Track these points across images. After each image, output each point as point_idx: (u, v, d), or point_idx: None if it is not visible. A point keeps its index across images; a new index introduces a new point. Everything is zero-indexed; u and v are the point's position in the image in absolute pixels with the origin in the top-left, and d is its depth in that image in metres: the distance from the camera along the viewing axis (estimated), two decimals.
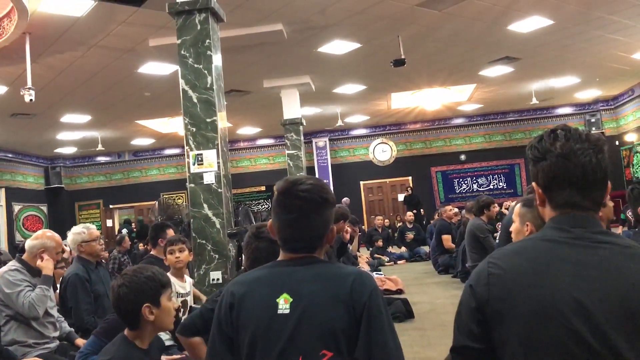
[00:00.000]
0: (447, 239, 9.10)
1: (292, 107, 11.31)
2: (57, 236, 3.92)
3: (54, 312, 3.88)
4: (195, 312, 2.41)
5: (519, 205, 2.81)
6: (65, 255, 6.49)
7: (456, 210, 10.36)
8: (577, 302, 1.16)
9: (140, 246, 8.96)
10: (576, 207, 1.28)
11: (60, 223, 16.31)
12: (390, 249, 12.06)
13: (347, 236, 5.72)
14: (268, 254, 2.75)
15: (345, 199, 15.73)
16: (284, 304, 1.47)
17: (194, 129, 5.31)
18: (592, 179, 1.28)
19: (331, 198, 1.59)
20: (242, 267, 2.88)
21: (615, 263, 1.20)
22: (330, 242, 1.62)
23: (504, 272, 1.24)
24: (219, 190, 5.29)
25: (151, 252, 4.64)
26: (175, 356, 3.21)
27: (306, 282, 1.49)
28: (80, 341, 3.87)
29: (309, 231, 1.56)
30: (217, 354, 1.54)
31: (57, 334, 3.81)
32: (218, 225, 5.21)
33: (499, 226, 6.54)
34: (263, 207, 17.38)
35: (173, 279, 3.84)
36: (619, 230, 9.67)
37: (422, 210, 14.99)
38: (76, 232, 4.34)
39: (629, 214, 10.94)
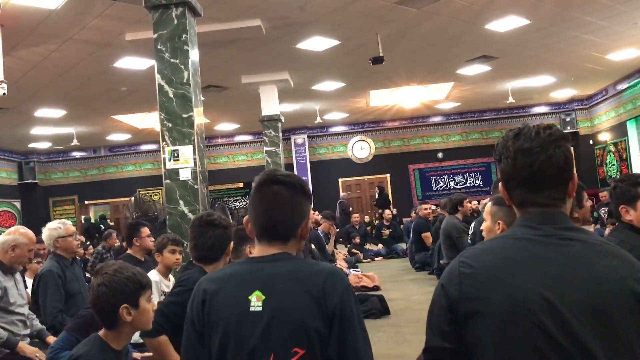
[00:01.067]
0: (427, 237, 9.13)
1: (271, 104, 11.27)
2: (30, 233, 3.85)
3: (25, 309, 3.81)
4: (157, 311, 2.40)
5: (489, 203, 2.83)
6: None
7: (433, 207, 10.46)
8: (546, 301, 1.16)
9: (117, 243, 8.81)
10: (535, 205, 1.29)
11: (35, 219, 16.04)
12: (367, 246, 12.13)
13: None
14: (225, 240, 2.76)
15: (344, 194, 15.76)
16: (256, 301, 1.46)
17: (170, 125, 5.26)
18: (542, 177, 1.27)
19: (308, 191, 1.60)
20: (192, 259, 2.86)
21: (584, 260, 1.20)
22: (305, 237, 1.61)
23: (475, 270, 1.25)
24: (195, 186, 5.25)
25: (127, 251, 4.58)
26: (146, 354, 3.18)
27: (279, 279, 1.48)
28: (51, 339, 3.81)
29: (285, 218, 1.55)
30: (192, 350, 1.52)
31: (27, 331, 3.75)
32: (189, 227, 5.17)
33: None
34: (241, 204, 17.32)
35: (159, 277, 3.81)
36: (591, 228, 9.83)
37: (393, 209, 15.02)
38: (52, 227, 4.27)
39: (602, 212, 11.18)
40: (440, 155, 17.51)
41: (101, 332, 2.04)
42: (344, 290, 1.48)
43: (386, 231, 12.25)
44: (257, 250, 1.59)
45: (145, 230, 4.80)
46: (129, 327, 2.03)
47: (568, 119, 16.89)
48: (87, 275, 6.19)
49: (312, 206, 1.66)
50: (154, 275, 3.80)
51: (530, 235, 1.25)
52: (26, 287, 4.35)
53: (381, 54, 9.06)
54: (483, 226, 2.85)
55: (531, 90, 14.59)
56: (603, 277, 1.17)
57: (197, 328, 1.51)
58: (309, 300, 1.44)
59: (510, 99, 14.61)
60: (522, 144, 1.28)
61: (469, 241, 6.31)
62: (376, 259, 11.20)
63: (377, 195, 15.95)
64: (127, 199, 17.07)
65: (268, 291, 1.46)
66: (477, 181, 17.37)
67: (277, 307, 1.44)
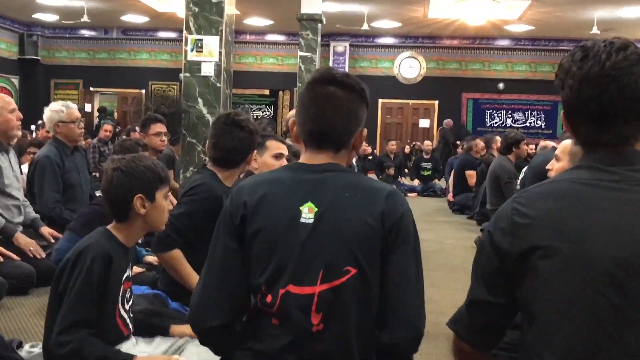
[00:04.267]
0: (471, 176, 9.04)
1: (312, 0, 11.03)
2: (7, 97, 3.90)
3: (20, 194, 3.92)
4: (168, 224, 2.48)
5: (569, 141, 2.76)
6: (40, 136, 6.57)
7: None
8: (618, 261, 1.14)
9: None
10: (603, 144, 1.23)
11: (33, 100, 16.33)
12: (402, 180, 12.17)
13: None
14: (248, 146, 2.80)
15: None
16: (307, 213, 1.51)
17: (197, 9, 5.21)
18: (612, 112, 1.21)
19: (367, 97, 1.63)
20: (206, 160, 2.90)
21: None
22: (358, 148, 1.66)
23: (531, 220, 1.22)
24: (218, 85, 5.26)
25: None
26: (137, 269, 3.29)
27: (334, 192, 1.53)
28: (45, 230, 3.95)
29: (339, 124, 1.58)
30: (227, 262, 1.57)
31: (21, 219, 3.89)
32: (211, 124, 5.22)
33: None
34: (264, 113, 17.34)
35: None
36: None
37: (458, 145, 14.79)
38: (54, 109, 4.34)
39: None
40: (501, 86, 17.14)
41: (110, 226, 2.13)
42: (405, 212, 1.54)
43: (425, 166, 12.22)
44: (304, 157, 1.63)
45: (155, 127, 4.87)
46: (141, 221, 2.11)
47: None
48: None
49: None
50: None
51: (597, 179, 1.20)
52: (22, 174, 4.48)
53: None
54: (555, 166, 2.81)
55: (621, 22, 14.00)
56: None
57: (233, 241, 1.56)
58: (366, 218, 1.50)
59: (595, 30, 14.05)
60: (589, 69, 1.20)
61: (518, 188, 6.31)
62: (410, 194, 11.26)
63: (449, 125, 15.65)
64: (138, 91, 17.18)
65: (321, 203, 1.51)
66: (539, 121, 17.07)
67: (330, 222, 1.50)
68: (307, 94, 1.60)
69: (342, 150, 1.61)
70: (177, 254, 2.63)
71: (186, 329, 2.32)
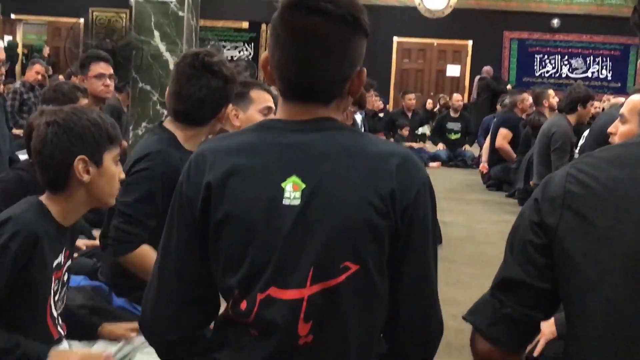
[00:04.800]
0: (505, 135, 8.96)
1: None
2: None
3: None
4: (123, 217, 2.45)
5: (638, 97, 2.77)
6: None
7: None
8: None
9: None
10: None
11: None
12: (423, 145, 12.14)
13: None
14: (222, 97, 2.77)
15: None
16: (292, 191, 1.46)
17: None
18: None
19: (365, 21, 1.51)
20: (164, 115, 2.86)
21: None
22: (356, 93, 1.60)
23: (591, 191, 1.23)
24: (180, 13, 5.23)
25: None
26: (93, 242, 3.29)
27: (326, 160, 1.48)
28: None
29: (326, 69, 1.50)
30: (184, 254, 1.56)
31: None
32: (173, 66, 5.20)
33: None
34: (242, 53, 17.24)
35: None
36: None
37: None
38: None
39: None
40: (555, 22, 17.09)
41: (43, 197, 2.11)
42: (423, 184, 1.51)
43: (452, 127, 12.21)
44: (282, 109, 1.58)
45: (97, 68, 4.84)
46: (84, 192, 2.09)
47: None
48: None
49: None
50: None
51: None
52: None
53: None
54: (620, 129, 2.82)
55: None
56: None
57: (192, 233, 1.54)
58: (370, 197, 1.46)
59: None
60: None
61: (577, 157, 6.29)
62: (431, 164, 11.23)
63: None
64: (74, 20, 17.02)
65: (310, 177, 1.47)
66: (604, 71, 17.06)
67: (322, 203, 1.46)
68: (282, 26, 1.50)
69: (334, 101, 1.55)
70: (144, 250, 2.61)
71: (116, 328, 2.33)
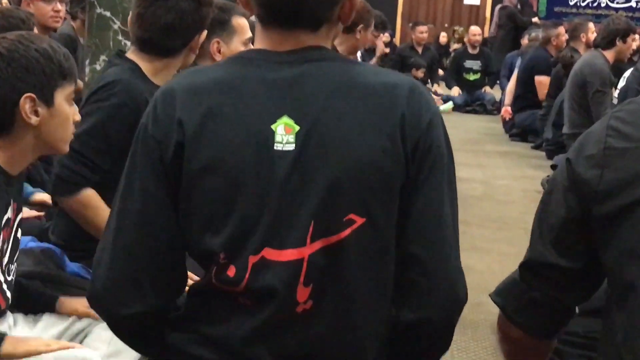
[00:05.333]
0: (543, 84, 8.84)
1: None
2: None
3: None
4: (71, 151, 2.43)
5: None
6: None
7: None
8: None
9: None
10: None
11: None
12: (434, 87, 12.09)
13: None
14: (195, 23, 2.73)
15: None
16: (284, 134, 1.45)
17: None
18: None
19: None
20: (128, 46, 2.82)
21: None
22: (347, 20, 1.57)
23: (636, 145, 1.24)
24: None
25: None
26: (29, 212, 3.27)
27: (321, 97, 1.47)
28: None
29: None
30: (149, 216, 1.52)
31: None
32: None
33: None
34: None
35: None
36: None
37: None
38: None
39: None
40: None
41: None
42: (435, 114, 1.51)
43: (471, 65, 12.16)
44: (262, 39, 1.56)
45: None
46: (31, 136, 2.06)
47: None
48: None
49: None
50: None
51: None
52: None
53: None
54: None
55: None
56: None
57: (160, 185, 1.51)
58: (376, 137, 1.46)
59: None
60: None
61: (615, 102, 6.23)
62: (443, 107, 11.17)
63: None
64: None
65: (303, 117, 1.46)
66: None
67: (321, 146, 1.45)
68: None
69: (322, 27, 1.53)
70: (89, 196, 2.59)
71: (79, 304, 2.32)
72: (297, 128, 1.44)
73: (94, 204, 2.59)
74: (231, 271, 1.47)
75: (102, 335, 2.25)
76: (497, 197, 6.17)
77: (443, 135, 1.51)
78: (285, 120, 1.45)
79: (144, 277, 1.52)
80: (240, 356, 1.49)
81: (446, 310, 1.50)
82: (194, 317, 1.56)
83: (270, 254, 1.45)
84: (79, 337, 2.30)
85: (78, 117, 2.17)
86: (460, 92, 11.91)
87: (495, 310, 1.55)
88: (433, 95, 11.32)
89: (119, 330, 1.61)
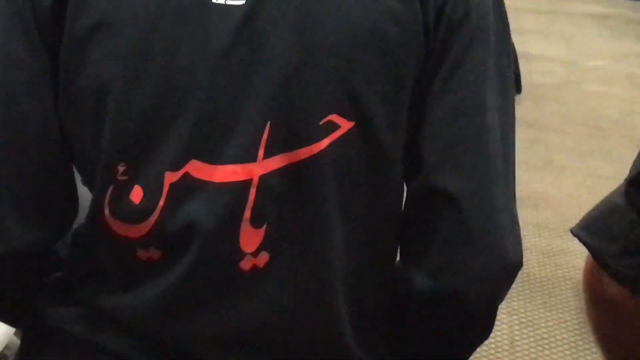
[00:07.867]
0: None
1: None
2: None
3: None
4: None
5: None
6: None
7: None
8: None
9: None
10: None
11: None
12: None
13: None
14: None
15: None
16: None
17: None
18: None
19: None
20: None
21: None
22: None
23: None
24: None
25: None
26: None
27: None
28: None
29: None
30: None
31: None
32: None
33: None
34: None
35: None
36: None
37: None
38: None
39: None
40: None
41: None
42: None
43: None
44: None
45: None
46: None
47: None
48: None
49: None
50: None
51: None
52: None
53: None
54: None
55: None
56: None
57: (32, 50, 1.13)
58: None
59: None
60: None
61: None
62: None
63: None
64: None
65: None
66: None
67: (286, 3, 1.08)
68: None
69: None
70: None
71: None
72: None
73: None
74: (135, 195, 1.12)
75: None
76: (588, 86, 5.37)
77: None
78: None
79: (3, 194, 1.17)
80: (147, 340, 1.16)
81: (487, 279, 1.16)
82: (78, 279, 1.23)
83: (198, 170, 1.09)
84: None
85: None
86: None
87: (576, 259, 1.30)
88: None
89: None
